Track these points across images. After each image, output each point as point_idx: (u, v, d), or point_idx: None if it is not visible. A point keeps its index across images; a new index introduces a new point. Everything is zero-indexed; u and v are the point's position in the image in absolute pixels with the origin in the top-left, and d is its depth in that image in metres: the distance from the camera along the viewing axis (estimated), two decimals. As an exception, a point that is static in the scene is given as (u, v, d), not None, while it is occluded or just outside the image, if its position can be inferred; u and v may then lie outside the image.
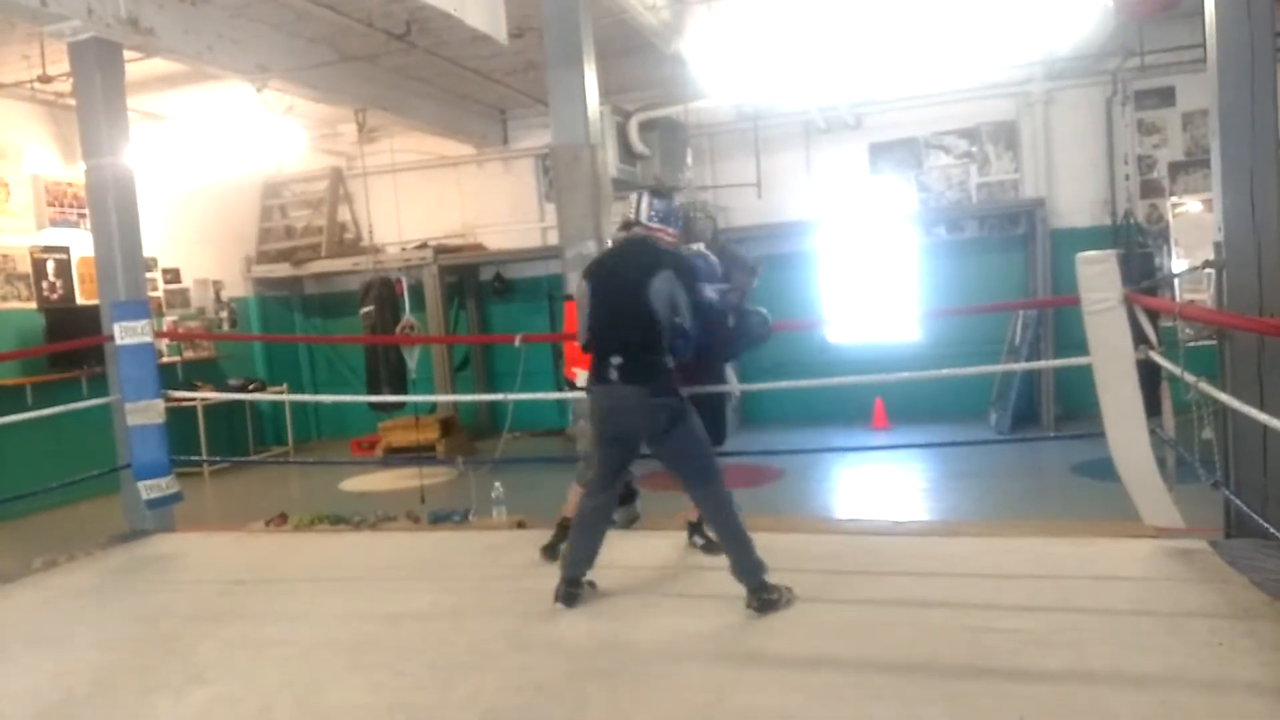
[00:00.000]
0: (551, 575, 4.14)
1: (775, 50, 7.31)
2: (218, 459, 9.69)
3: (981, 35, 7.34)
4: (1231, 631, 3.32)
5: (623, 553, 4.77)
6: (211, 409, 9.77)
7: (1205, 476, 4.20)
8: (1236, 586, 3.74)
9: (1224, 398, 3.83)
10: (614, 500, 4.23)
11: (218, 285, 11.36)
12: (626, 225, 3.98)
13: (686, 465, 3.92)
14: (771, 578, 3.79)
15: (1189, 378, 3.90)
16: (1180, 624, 3.43)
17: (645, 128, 7.86)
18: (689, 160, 8.65)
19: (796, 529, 5.19)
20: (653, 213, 3.87)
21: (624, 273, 3.83)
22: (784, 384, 6.07)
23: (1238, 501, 4.22)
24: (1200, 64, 8.71)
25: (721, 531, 3.89)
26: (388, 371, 9.79)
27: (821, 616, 3.76)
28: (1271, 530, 4.02)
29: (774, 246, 10.36)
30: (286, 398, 11.07)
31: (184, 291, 10.82)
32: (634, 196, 3.97)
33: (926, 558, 4.45)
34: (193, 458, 8.95)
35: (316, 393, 12.26)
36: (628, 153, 7.92)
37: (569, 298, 5.70)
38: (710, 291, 3.87)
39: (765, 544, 4.66)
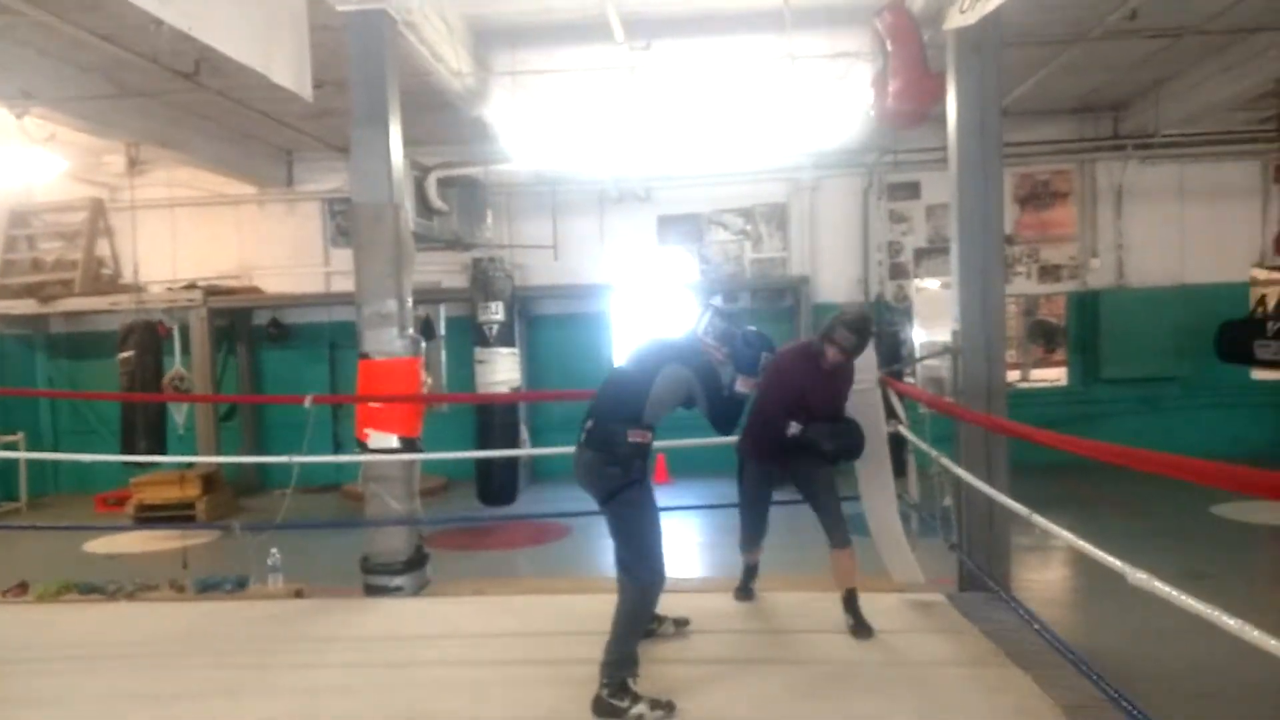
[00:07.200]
0: (334, 648, 4.01)
1: (574, 124, 7.64)
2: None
3: (760, 127, 8.06)
4: (967, 678, 3.82)
5: (410, 622, 4.73)
6: (-72, 459, 8.59)
7: (945, 538, 4.79)
8: (969, 636, 4.29)
9: (960, 472, 4.42)
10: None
11: (-56, 319, 10.06)
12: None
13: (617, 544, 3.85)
14: (638, 688, 3.62)
15: (933, 453, 4.46)
16: (926, 673, 3.90)
17: (444, 184, 7.89)
18: (489, 219, 8.75)
19: (604, 589, 5.23)
20: (710, 329, 4.02)
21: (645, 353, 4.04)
22: (567, 450, 6.10)
23: (969, 562, 4.84)
24: (942, 164, 10.05)
25: (617, 619, 3.75)
26: (146, 423, 9.00)
27: (678, 674, 3.93)
28: (994, 586, 4.66)
29: (569, 307, 10.87)
30: (26, 455, 9.94)
31: (-100, 325, 9.50)
32: (701, 311, 4.11)
33: (732, 615, 4.73)
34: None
35: (59, 442, 11.05)
36: (425, 208, 7.91)
37: (364, 355, 5.60)
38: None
39: (582, 606, 4.75)
